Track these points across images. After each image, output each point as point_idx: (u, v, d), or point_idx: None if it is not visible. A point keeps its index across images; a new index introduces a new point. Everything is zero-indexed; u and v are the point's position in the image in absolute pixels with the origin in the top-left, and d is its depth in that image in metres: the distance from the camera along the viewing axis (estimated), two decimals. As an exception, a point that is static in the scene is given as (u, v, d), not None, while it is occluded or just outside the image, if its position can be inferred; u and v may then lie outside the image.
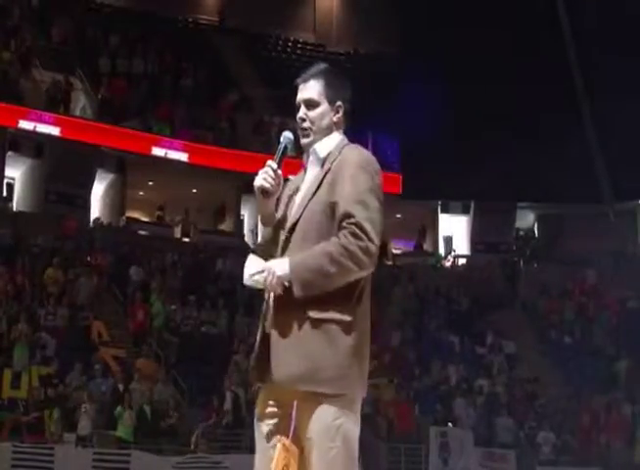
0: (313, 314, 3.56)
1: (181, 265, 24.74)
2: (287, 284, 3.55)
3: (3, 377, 18.38)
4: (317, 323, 3.56)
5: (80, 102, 27.46)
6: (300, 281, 3.53)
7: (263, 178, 3.73)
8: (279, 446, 3.54)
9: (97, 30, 29.69)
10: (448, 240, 31.74)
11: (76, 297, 21.38)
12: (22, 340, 19.05)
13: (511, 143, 28.08)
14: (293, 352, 3.55)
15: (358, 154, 3.74)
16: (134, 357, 20.57)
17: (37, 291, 21.24)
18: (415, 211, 30.65)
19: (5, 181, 26.18)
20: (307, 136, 3.82)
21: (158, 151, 27.33)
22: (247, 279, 3.69)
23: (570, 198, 29.76)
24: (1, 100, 25.21)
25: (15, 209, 26.18)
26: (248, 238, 28.27)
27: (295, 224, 3.70)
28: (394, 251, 31.27)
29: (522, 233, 32.40)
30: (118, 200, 27.82)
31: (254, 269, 3.64)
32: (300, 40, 35.97)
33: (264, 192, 3.74)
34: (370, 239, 3.56)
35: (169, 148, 27.46)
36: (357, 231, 3.54)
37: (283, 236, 3.74)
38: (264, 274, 3.58)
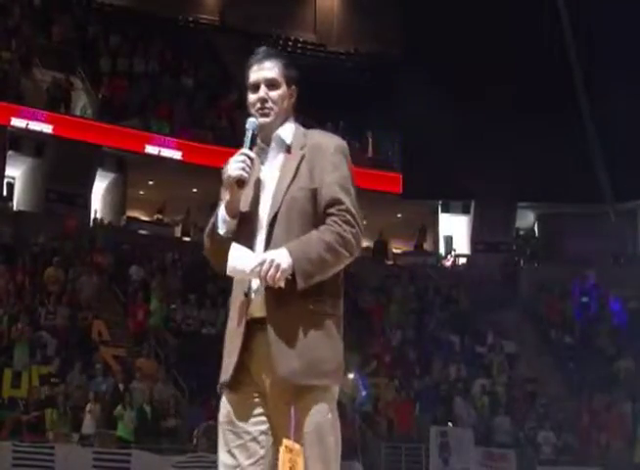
0: (313, 307, 3.50)
1: (181, 265, 24.72)
2: (289, 276, 3.40)
3: (3, 376, 18.34)
4: (317, 316, 3.50)
5: (81, 101, 27.47)
6: (303, 273, 3.40)
7: (241, 168, 3.53)
8: (282, 448, 3.43)
9: (97, 30, 29.69)
10: (448, 240, 31.73)
11: (77, 296, 21.33)
12: (23, 339, 19.01)
13: (511, 143, 28.08)
14: (296, 347, 3.46)
15: (330, 137, 3.68)
16: (134, 357, 20.52)
17: (38, 290, 21.19)
18: (415, 211, 30.60)
19: (5, 180, 26.14)
20: (267, 115, 3.72)
21: (151, 149, 27.15)
22: (236, 271, 3.46)
23: (570, 198, 29.75)
24: (1, 99, 25.20)
25: (15, 208, 26.12)
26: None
27: (276, 214, 3.53)
28: (394, 250, 31.28)
29: (522, 233, 32.40)
30: (119, 199, 27.81)
31: (254, 262, 3.41)
32: (301, 40, 35.92)
33: (240, 182, 3.53)
34: (359, 225, 3.52)
35: (162, 146, 27.33)
36: (349, 218, 3.49)
37: (262, 227, 3.55)
38: (265, 267, 3.38)
